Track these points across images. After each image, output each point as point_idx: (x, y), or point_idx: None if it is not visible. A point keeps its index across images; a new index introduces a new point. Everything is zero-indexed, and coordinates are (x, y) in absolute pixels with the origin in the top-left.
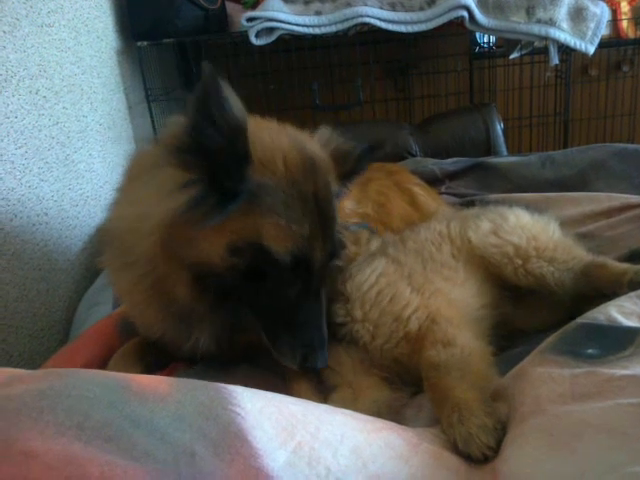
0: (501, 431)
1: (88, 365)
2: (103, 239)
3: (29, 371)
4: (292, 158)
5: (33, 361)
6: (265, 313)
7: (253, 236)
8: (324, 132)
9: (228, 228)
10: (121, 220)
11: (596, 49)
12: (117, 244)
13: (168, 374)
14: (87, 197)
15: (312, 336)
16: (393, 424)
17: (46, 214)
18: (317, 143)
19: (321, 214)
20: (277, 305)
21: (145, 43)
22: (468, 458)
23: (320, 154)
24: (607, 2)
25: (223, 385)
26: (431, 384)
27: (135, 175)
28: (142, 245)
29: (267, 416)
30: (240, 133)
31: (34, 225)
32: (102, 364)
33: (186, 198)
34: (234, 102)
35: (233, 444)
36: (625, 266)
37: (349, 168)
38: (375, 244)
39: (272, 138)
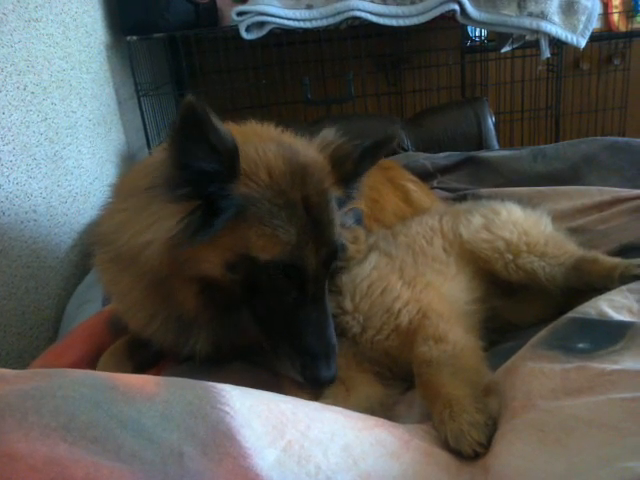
0: (492, 427)
1: (77, 363)
2: (96, 240)
3: (14, 371)
4: (277, 167)
5: (22, 360)
6: (269, 323)
7: (243, 248)
8: (326, 134)
9: (222, 245)
10: (120, 231)
11: (587, 42)
12: (114, 249)
13: (157, 372)
14: (76, 194)
15: (315, 345)
16: (384, 421)
17: (34, 211)
18: (314, 148)
19: (313, 220)
20: (279, 315)
21: (135, 38)
22: (459, 455)
23: (314, 160)
24: None
25: (212, 384)
26: (423, 381)
27: (133, 188)
28: (147, 261)
29: (257, 414)
30: (235, 155)
31: (22, 222)
32: (92, 362)
33: (181, 225)
34: (221, 126)
35: (222, 443)
36: (616, 260)
37: (349, 170)
38: (371, 240)
39: (257, 149)
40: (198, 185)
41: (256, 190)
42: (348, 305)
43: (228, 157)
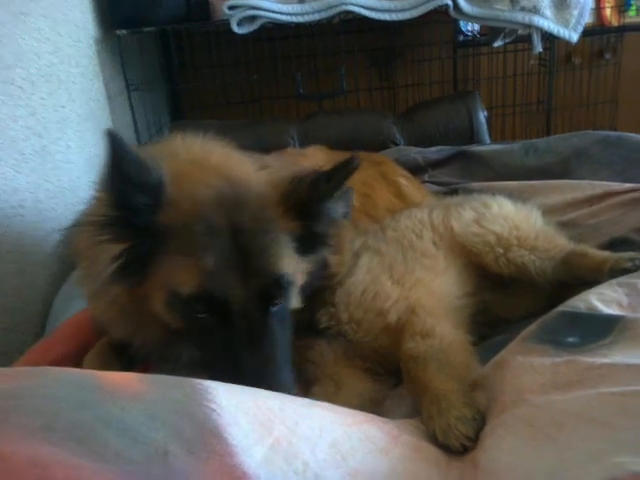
0: (480, 421)
1: (64, 359)
2: (73, 253)
3: None
4: (203, 195)
5: (7, 356)
6: (211, 367)
7: (170, 283)
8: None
9: (157, 282)
10: (84, 261)
11: (579, 37)
12: (87, 267)
13: (144, 370)
14: (64, 189)
15: None
16: (373, 416)
17: (22, 206)
18: (267, 182)
19: (241, 247)
20: (217, 359)
21: (125, 32)
22: (447, 449)
23: (255, 189)
24: None
25: (198, 381)
26: (411, 376)
27: None
28: (112, 299)
29: (244, 412)
30: (158, 186)
31: (9, 217)
32: (79, 358)
33: (116, 266)
34: (140, 158)
35: (209, 442)
36: (606, 254)
37: (301, 196)
38: (357, 243)
39: (187, 179)
40: (129, 221)
41: (177, 219)
42: (344, 316)
43: (149, 189)
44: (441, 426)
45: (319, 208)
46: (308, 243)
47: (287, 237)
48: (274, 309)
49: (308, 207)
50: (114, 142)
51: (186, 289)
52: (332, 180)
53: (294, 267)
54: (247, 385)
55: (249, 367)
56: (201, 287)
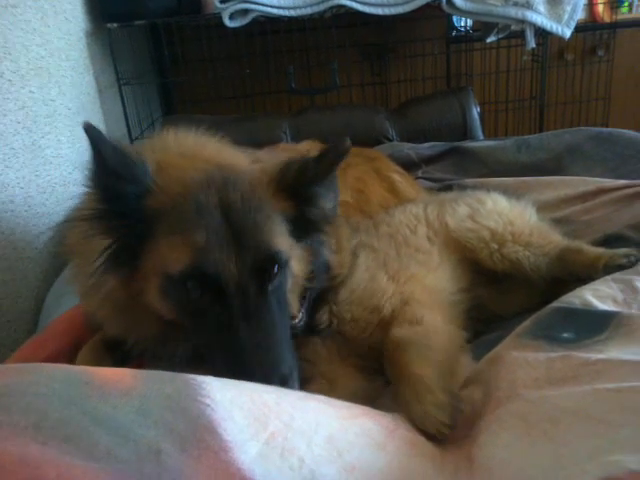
0: (458, 408)
1: (57, 355)
2: (65, 250)
3: None
4: (193, 178)
5: (0, 353)
6: (209, 352)
7: (162, 267)
8: (286, 160)
9: (150, 270)
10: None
11: (572, 33)
12: (79, 266)
13: (138, 366)
14: (55, 184)
15: (254, 375)
16: (370, 409)
17: (12, 202)
18: (257, 168)
19: (232, 224)
20: (214, 341)
21: (115, 25)
22: (426, 434)
23: (245, 171)
24: None
25: (191, 376)
26: (393, 362)
27: None
28: (106, 296)
29: (239, 406)
30: (142, 174)
31: None
32: (71, 354)
33: (104, 259)
34: (128, 149)
35: (202, 438)
36: (600, 250)
37: (290, 179)
38: (354, 241)
39: (176, 167)
40: (118, 213)
41: (167, 203)
42: (346, 315)
43: (134, 178)
44: (417, 412)
45: (309, 191)
46: (301, 227)
47: (279, 216)
48: (270, 288)
49: (298, 190)
50: (93, 135)
51: (178, 267)
52: (321, 163)
53: (287, 247)
54: (247, 368)
55: (247, 349)
56: (193, 264)
